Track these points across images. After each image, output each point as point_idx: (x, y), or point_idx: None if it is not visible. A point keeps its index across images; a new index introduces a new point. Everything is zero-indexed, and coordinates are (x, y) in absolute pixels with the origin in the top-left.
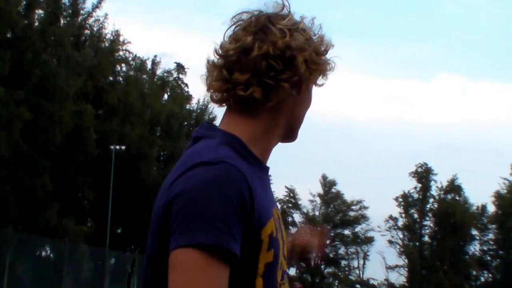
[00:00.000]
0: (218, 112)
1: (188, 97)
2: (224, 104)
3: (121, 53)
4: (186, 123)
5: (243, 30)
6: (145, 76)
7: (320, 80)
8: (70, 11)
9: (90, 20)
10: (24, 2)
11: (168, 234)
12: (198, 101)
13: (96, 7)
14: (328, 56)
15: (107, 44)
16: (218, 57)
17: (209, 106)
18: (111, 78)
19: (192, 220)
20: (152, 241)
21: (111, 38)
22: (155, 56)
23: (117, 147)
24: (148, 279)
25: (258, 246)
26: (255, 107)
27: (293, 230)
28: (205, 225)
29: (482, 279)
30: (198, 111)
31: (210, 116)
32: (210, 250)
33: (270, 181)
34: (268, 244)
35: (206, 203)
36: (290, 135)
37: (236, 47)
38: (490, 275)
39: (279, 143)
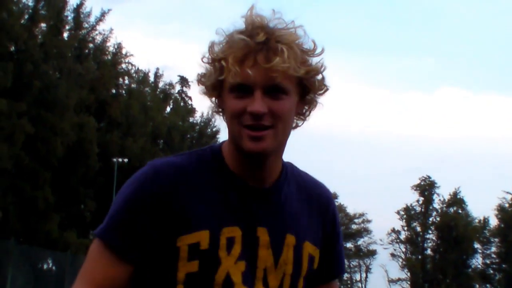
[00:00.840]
0: (222, 125)
1: (192, 110)
2: None
3: (123, 65)
4: (188, 135)
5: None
6: (147, 89)
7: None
8: (72, 24)
9: (94, 33)
10: (27, 16)
11: None
12: (202, 114)
13: (99, 20)
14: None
15: (109, 57)
16: None
17: (212, 119)
18: (113, 91)
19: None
20: None
21: (113, 51)
22: (157, 69)
23: (119, 159)
24: None
25: (174, 253)
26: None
27: None
28: (106, 219)
29: None
30: (202, 124)
31: (213, 130)
32: (99, 237)
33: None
34: (188, 253)
35: (115, 201)
36: (237, 148)
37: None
38: None
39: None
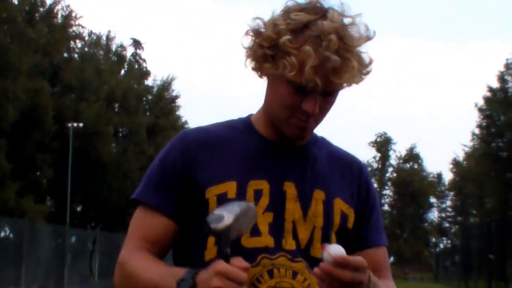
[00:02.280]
0: (182, 90)
1: (146, 73)
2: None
3: (74, 28)
4: (144, 98)
5: (271, 18)
6: (101, 52)
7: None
8: None
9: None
10: None
11: None
12: (155, 77)
13: None
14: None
15: (59, 20)
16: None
17: (172, 83)
18: (66, 55)
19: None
20: None
21: (64, 13)
22: (109, 31)
23: (75, 124)
24: None
25: (205, 206)
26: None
27: None
28: (140, 184)
29: (441, 245)
30: (161, 87)
31: (173, 94)
32: (136, 201)
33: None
34: (217, 204)
35: (152, 164)
36: (278, 128)
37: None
38: (449, 241)
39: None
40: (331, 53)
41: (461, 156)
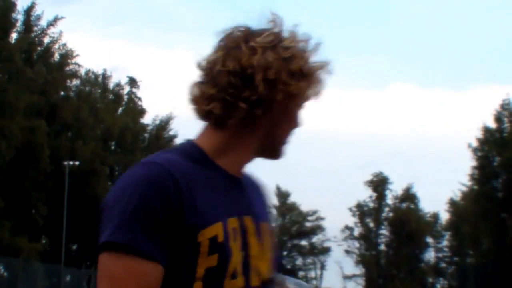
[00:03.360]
0: (181, 129)
1: (142, 111)
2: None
3: (71, 67)
4: (141, 137)
5: (219, 46)
6: (99, 90)
7: (299, 101)
8: (23, 27)
9: (44, 37)
10: None
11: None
12: (155, 117)
13: (51, 24)
14: (314, 77)
15: (56, 59)
16: (198, 69)
17: (170, 122)
18: (62, 93)
19: (109, 221)
20: None
21: (61, 52)
22: (105, 70)
23: (71, 163)
24: None
25: (195, 249)
26: (222, 122)
27: None
28: (119, 222)
29: (438, 286)
30: (159, 127)
31: (170, 133)
32: (120, 248)
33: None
34: (209, 247)
35: (117, 202)
36: (268, 153)
37: (208, 61)
38: (446, 282)
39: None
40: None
41: (458, 195)
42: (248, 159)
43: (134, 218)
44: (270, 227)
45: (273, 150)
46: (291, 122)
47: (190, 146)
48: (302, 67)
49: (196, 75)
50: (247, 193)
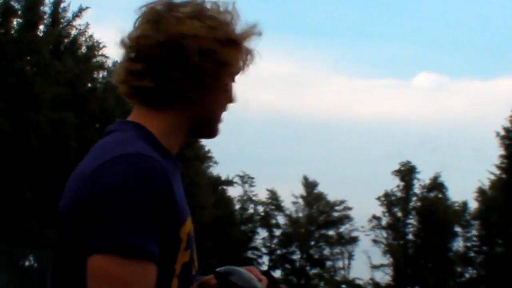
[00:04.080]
0: None
1: None
2: (133, 98)
3: (98, 58)
4: None
5: (143, 19)
6: None
7: (231, 73)
8: (50, 19)
9: (70, 29)
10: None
11: (87, 233)
12: None
13: (76, 16)
14: (246, 46)
15: (84, 51)
16: (122, 48)
17: None
18: (90, 85)
19: (112, 221)
20: (67, 238)
21: (87, 44)
22: None
23: None
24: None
25: (177, 246)
26: (159, 100)
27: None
28: (127, 225)
29: (467, 275)
30: None
31: None
32: (130, 251)
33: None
34: (186, 243)
35: (128, 201)
36: (204, 131)
37: (134, 37)
38: (474, 271)
39: (199, 139)
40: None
41: (486, 184)
42: (183, 141)
43: (145, 218)
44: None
45: (210, 127)
46: (225, 95)
47: (144, 131)
48: (229, 34)
49: (119, 55)
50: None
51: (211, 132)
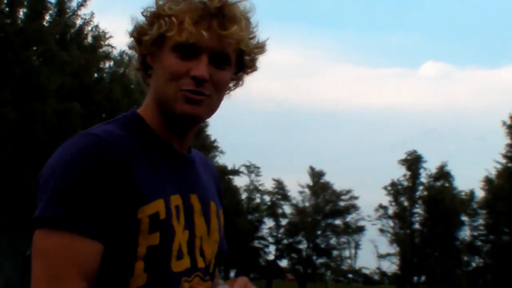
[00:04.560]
0: None
1: None
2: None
3: (104, 48)
4: None
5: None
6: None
7: (163, 45)
8: (56, 9)
9: (75, 19)
10: (6, 1)
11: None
12: None
13: (81, 5)
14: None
15: (90, 41)
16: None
17: None
18: (96, 75)
19: (43, 194)
20: None
21: (93, 34)
22: None
23: None
24: None
25: (135, 226)
26: (146, 84)
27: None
28: (53, 196)
29: (474, 264)
30: None
31: None
32: (53, 224)
33: (196, 171)
34: (149, 225)
35: (53, 179)
36: (167, 111)
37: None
38: (481, 260)
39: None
40: (211, 4)
41: (493, 173)
42: (165, 121)
43: (70, 191)
44: (219, 207)
45: (164, 104)
46: (162, 66)
47: (131, 118)
48: (148, 10)
49: None
50: (195, 171)
51: (170, 108)
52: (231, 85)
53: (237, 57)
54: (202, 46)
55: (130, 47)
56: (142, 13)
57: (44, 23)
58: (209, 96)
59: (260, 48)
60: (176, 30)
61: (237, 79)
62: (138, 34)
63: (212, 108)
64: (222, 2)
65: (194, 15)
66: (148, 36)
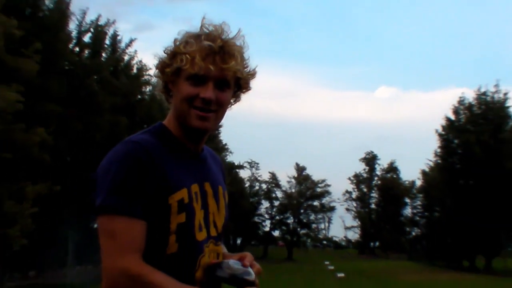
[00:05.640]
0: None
1: None
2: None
3: (145, 77)
4: None
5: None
6: None
7: (181, 75)
8: (110, 49)
9: (126, 56)
10: (75, 42)
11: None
12: None
13: (128, 46)
14: (182, 50)
15: (135, 71)
16: None
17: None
18: (139, 97)
19: (101, 188)
20: None
21: (138, 66)
22: None
23: None
24: None
25: (167, 209)
26: (167, 97)
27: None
28: (109, 189)
29: (413, 233)
30: None
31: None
32: (112, 210)
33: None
34: (178, 208)
35: (107, 176)
36: (183, 122)
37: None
38: (419, 230)
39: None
40: (215, 45)
41: (428, 168)
42: (184, 132)
43: (122, 185)
44: (224, 190)
45: (183, 119)
46: (180, 94)
47: (160, 127)
48: (170, 49)
49: None
50: (207, 165)
51: (186, 123)
52: (232, 101)
53: (235, 81)
54: (209, 76)
55: (155, 76)
56: (164, 51)
57: (102, 59)
58: (215, 112)
59: (252, 74)
60: (189, 64)
61: (236, 97)
62: (161, 66)
63: (218, 120)
64: (223, 42)
65: (203, 53)
66: (169, 69)
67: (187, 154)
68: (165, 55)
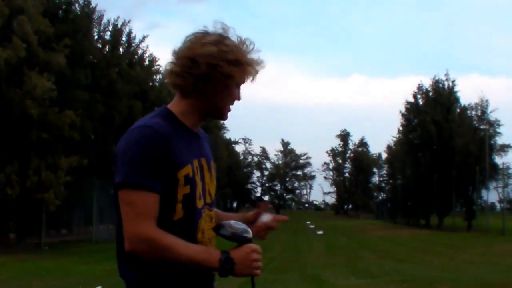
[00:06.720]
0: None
1: None
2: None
3: (156, 67)
4: None
5: (186, 41)
6: None
7: (235, 80)
8: (126, 44)
9: (139, 50)
10: (96, 37)
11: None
12: None
13: (141, 41)
14: (244, 64)
15: (147, 62)
16: (172, 55)
17: None
18: (151, 84)
19: (122, 165)
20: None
21: (149, 59)
22: None
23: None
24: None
25: (176, 182)
26: (185, 92)
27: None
28: (129, 167)
29: (380, 197)
30: None
31: None
32: (132, 185)
33: (206, 143)
34: (184, 181)
35: (127, 156)
36: (213, 115)
37: (177, 50)
38: (385, 195)
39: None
40: (258, 65)
41: (392, 143)
42: (201, 119)
43: (140, 164)
44: (214, 162)
45: (217, 113)
46: (229, 95)
47: (166, 111)
48: (236, 57)
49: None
50: (201, 143)
51: (219, 117)
52: None
53: None
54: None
55: (202, 72)
56: (228, 57)
57: (120, 53)
58: None
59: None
60: (245, 75)
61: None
62: (223, 71)
63: None
64: (255, 64)
65: (254, 74)
66: (241, 80)
67: (189, 134)
68: (226, 59)
